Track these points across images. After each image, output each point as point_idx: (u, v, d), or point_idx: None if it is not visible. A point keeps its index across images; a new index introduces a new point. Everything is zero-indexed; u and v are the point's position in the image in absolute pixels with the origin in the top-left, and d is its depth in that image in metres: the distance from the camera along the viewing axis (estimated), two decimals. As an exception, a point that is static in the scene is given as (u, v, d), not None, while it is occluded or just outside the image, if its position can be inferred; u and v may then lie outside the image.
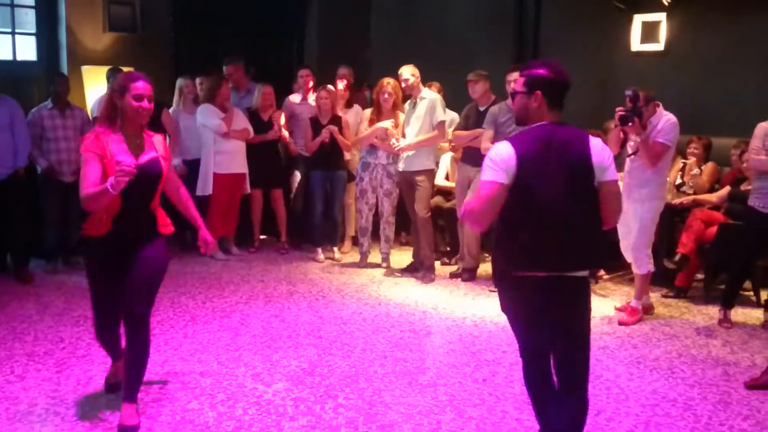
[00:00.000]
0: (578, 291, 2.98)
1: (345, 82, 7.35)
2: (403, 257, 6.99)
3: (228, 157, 6.84)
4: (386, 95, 6.45)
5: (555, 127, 3.03)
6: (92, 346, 4.63)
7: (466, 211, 3.03)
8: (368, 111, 6.71)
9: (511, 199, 2.93)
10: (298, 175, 7.31)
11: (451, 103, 6.85)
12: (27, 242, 6.19)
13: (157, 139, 3.69)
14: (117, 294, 3.59)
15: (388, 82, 6.49)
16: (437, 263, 6.77)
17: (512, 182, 2.91)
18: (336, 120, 6.88)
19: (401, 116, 6.52)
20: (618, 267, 6.26)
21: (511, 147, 2.94)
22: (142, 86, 3.49)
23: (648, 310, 5.54)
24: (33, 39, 7.51)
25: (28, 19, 7.50)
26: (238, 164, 6.92)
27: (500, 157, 2.93)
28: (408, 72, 6.33)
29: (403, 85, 6.36)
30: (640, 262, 5.36)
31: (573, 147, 3.00)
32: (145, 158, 3.55)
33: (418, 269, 6.53)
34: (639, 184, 5.25)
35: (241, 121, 6.91)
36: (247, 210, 7.22)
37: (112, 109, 3.52)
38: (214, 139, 6.77)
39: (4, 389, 3.98)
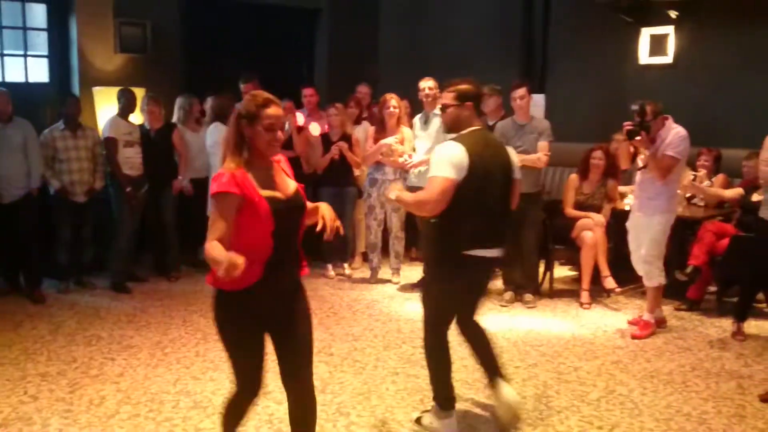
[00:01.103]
0: (493, 269, 3.37)
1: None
2: (413, 272, 6.99)
3: None
4: (390, 110, 6.49)
5: (485, 131, 3.84)
6: (105, 366, 4.66)
7: (420, 202, 3.63)
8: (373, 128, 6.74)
9: (462, 191, 3.47)
10: None
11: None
12: (40, 262, 6.23)
13: (281, 159, 3.04)
14: (263, 361, 3.04)
15: (391, 97, 6.53)
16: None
17: (463, 177, 3.47)
18: (346, 137, 6.91)
19: (406, 131, 6.54)
20: (629, 280, 6.23)
21: (462, 148, 3.51)
22: (274, 113, 2.86)
23: (661, 323, 5.51)
24: (45, 61, 7.60)
25: (40, 41, 7.60)
26: None
27: (455, 157, 3.49)
28: (430, 83, 6.35)
29: (422, 94, 6.35)
30: (652, 275, 5.34)
31: (501, 148, 3.79)
32: (290, 190, 2.95)
33: (429, 284, 6.51)
34: (649, 197, 5.24)
35: None
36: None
37: (240, 140, 2.88)
38: (220, 157, 6.78)
39: (18, 410, 4.00)
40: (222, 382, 4.42)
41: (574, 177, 6.50)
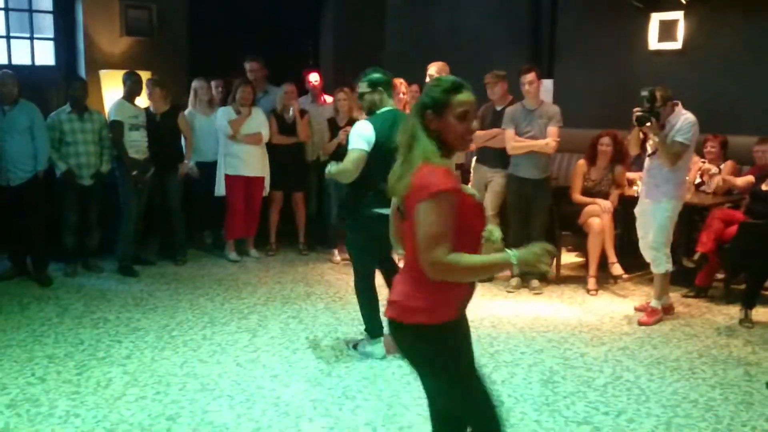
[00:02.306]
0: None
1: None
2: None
3: (237, 160, 6.83)
4: (400, 95, 6.45)
5: (396, 111, 4.47)
6: (112, 348, 4.67)
7: (341, 172, 4.31)
8: None
9: (370, 160, 4.22)
10: None
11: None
12: (46, 245, 6.23)
13: None
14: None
15: (400, 83, 6.49)
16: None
17: (371, 149, 4.22)
18: (353, 122, 6.86)
19: None
20: (637, 266, 6.21)
21: (371, 126, 4.28)
22: (467, 99, 2.45)
23: (668, 310, 5.49)
24: (51, 44, 7.58)
25: (46, 24, 7.58)
26: (252, 167, 6.88)
27: (365, 133, 4.27)
28: (434, 68, 6.32)
29: (427, 81, 6.33)
30: (659, 262, 5.32)
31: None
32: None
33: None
34: (657, 183, 5.21)
35: (256, 125, 6.87)
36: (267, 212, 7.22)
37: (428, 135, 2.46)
38: (225, 141, 6.81)
39: (26, 391, 4.02)
40: (228, 365, 4.43)
41: (582, 163, 6.47)
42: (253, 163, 6.87)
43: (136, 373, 4.30)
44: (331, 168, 4.40)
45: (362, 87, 4.43)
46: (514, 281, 6.19)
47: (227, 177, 6.86)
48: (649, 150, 5.27)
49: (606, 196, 6.28)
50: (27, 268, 6.26)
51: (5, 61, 7.17)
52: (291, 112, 6.97)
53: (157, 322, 5.20)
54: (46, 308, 5.47)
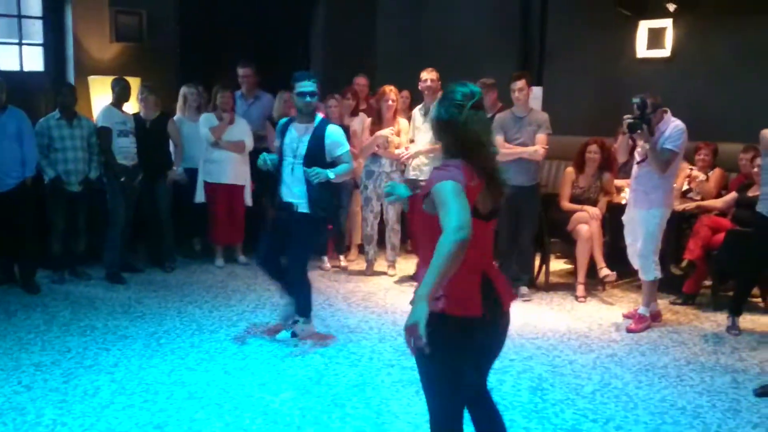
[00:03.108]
0: None
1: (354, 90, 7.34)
2: (409, 265, 6.98)
3: (217, 167, 6.81)
4: (389, 102, 6.46)
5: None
6: (99, 356, 4.64)
7: (346, 172, 4.95)
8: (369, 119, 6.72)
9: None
10: None
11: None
12: (34, 252, 6.19)
13: None
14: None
15: (390, 90, 6.51)
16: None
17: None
18: (344, 129, 6.85)
19: (402, 123, 6.52)
20: (625, 274, 6.23)
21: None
22: None
23: (656, 317, 5.52)
24: (40, 49, 7.54)
25: (35, 29, 7.54)
26: (232, 175, 6.85)
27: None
28: (426, 74, 6.33)
29: (420, 86, 6.35)
30: (647, 269, 5.34)
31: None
32: None
33: (425, 277, 6.51)
34: (646, 191, 5.24)
35: (239, 133, 6.85)
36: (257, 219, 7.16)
37: None
38: (206, 147, 6.80)
39: (12, 400, 3.98)
40: (216, 374, 4.41)
41: (570, 170, 6.49)
42: (234, 171, 6.85)
43: (124, 381, 4.27)
44: (330, 173, 4.78)
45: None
46: (504, 288, 6.19)
47: (207, 184, 6.85)
48: (638, 157, 5.30)
49: (594, 204, 6.31)
50: (14, 276, 6.22)
51: (-6, 67, 7.14)
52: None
53: (145, 329, 5.18)
54: (33, 315, 5.44)
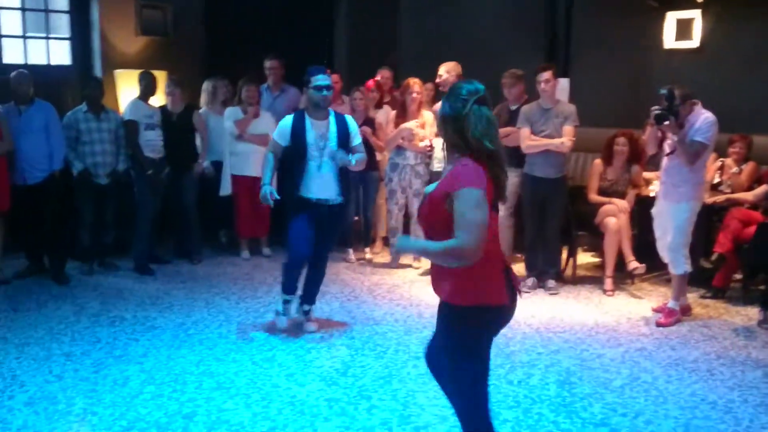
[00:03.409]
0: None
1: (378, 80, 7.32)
2: (434, 258, 6.94)
3: (241, 159, 6.84)
4: (414, 95, 6.43)
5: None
6: (128, 347, 4.69)
7: (363, 160, 4.92)
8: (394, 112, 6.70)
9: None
10: None
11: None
12: (63, 244, 6.27)
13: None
14: None
15: (414, 82, 6.48)
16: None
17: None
18: (369, 121, 6.86)
19: (427, 115, 6.49)
20: (654, 267, 6.16)
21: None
22: None
23: (686, 311, 5.45)
24: (67, 43, 7.62)
25: (62, 23, 7.61)
26: (257, 168, 6.83)
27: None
28: (443, 69, 6.30)
29: (437, 81, 6.32)
30: (677, 263, 5.27)
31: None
32: None
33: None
34: (676, 183, 5.17)
35: (264, 126, 6.86)
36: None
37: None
38: (231, 140, 6.83)
39: (43, 389, 4.03)
40: (244, 364, 4.43)
41: (598, 162, 6.43)
42: (258, 163, 6.85)
43: (153, 371, 4.31)
44: (352, 159, 4.84)
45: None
46: (530, 281, 6.16)
47: (233, 177, 6.88)
48: (667, 149, 5.23)
49: (622, 196, 6.24)
50: (44, 267, 6.29)
51: (21, 61, 7.20)
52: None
53: (173, 320, 5.22)
54: (63, 306, 5.50)
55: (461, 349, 2.67)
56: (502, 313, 2.72)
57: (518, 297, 2.79)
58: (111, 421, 3.68)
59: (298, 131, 4.83)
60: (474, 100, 2.65)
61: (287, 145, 4.88)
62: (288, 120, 4.91)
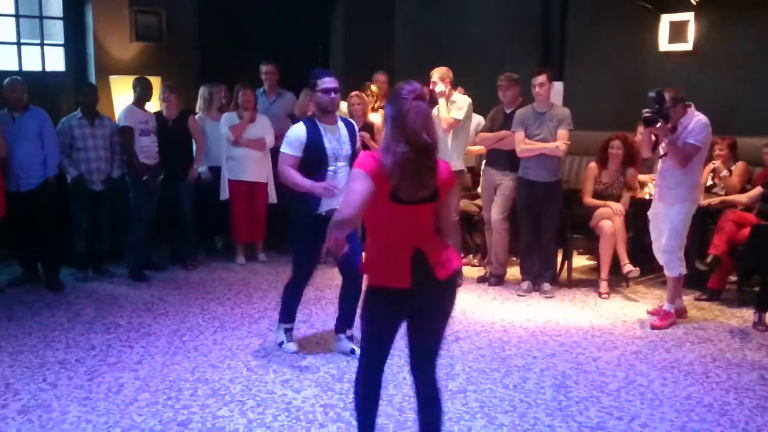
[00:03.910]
0: None
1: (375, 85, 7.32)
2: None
3: (238, 164, 6.83)
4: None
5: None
6: (123, 354, 4.67)
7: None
8: None
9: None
10: None
11: (476, 107, 6.78)
12: (57, 251, 6.25)
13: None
14: None
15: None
16: (464, 267, 6.73)
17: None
18: (367, 126, 6.86)
19: None
20: (649, 270, 6.17)
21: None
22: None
23: (681, 313, 5.45)
24: (61, 50, 7.60)
25: (56, 30, 7.61)
26: (254, 173, 6.87)
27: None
28: (437, 75, 6.29)
29: (431, 87, 6.31)
30: (672, 265, 5.27)
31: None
32: None
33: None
34: (670, 186, 5.18)
35: (259, 131, 6.86)
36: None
37: None
38: (227, 145, 6.83)
39: (37, 397, 4.02)
40: (239, 370, 4.42)
41: (593, 166, 6.43)
42: (255, 168, 6.87)
43: (147, 378, 4.29)
44: None
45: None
46: (525, 285, 6.16)
47: (230, 182, 6.87)
48: (662, 152, 5.24)
49: (617, 199, 6.25)
50: (38, 274, 6.28)
51: (16, 68, 7.19)
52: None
53: (168, 326, 5.21)
54: (57, 313, 5.48)
55: (363, 315, 3.09)
56: (400, 295, 2.95)
57: (438, 278, 2.95)
58: (105, 429, 3.66)
59: (314, 139, 4.46)
60: (413, 97, 2.87)
61: (301, 156, 4.48)
62: (299, 130, 4.49)
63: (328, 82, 4.49)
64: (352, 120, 5.01)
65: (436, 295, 3.01)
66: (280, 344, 4.81)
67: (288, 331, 4.83)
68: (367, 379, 3.16)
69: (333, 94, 4.50)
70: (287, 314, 4.82)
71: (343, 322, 4.75)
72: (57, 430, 3.65)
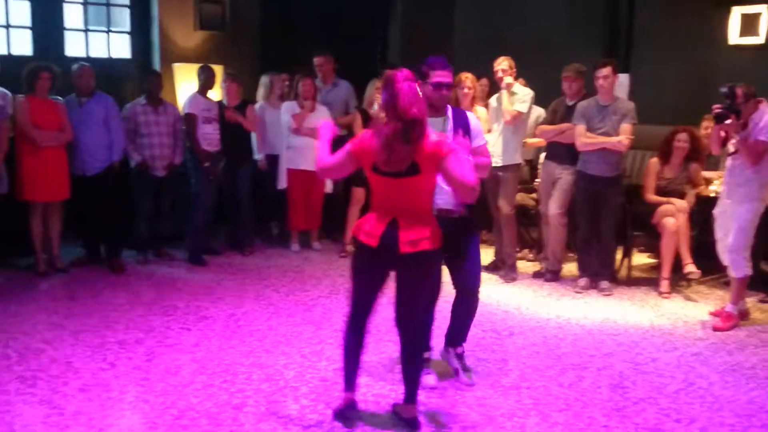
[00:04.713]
0: None
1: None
2: (484, 255, 6.84)
3: (297, 153, 6.86)
4: (465, 90, 6.35)
5: None
6: (181, 336, 4.76)
7: None
8: None
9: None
10: None
11: (536, 99, 6.66)
12: (120, 234, 6.40)
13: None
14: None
15: (466, 77, 6.38)
16: (519, 262, 6.64)
17: None
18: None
19: (480, 111, 6.40)
20: (712, 269, 5.98)
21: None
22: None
23: (743, 315, 5.28)
24: (127, 37, 7.77)
25: (122, 17, 7.77)
26: (312, 162, 6.86)
27: None
28: (506, 63, 6.21)
29: (497, 77, 6.23)
30: (738, 265, 5.11)
31: None
32: None
33: (500, 267, 6.42)
34: (739, 184, 5.01)
35: (318, 120, 6.87)
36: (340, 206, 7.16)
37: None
38: (287, 134, 6.87)
39: (97, 376, 4.12)
40: (293, 357, 4.46)
41: (654, 161, 6.26)
42: (313, 157, 6.86)
43: (204, 361, 4.36)
44: None
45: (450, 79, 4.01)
46: (583, 281, 6.05)
47: (288, 170, 6.92)
48: (731, 149, 5.07)
49: (681, 195, 6.08)
50: (101, 256, 6.44)
51: (83, 54, 7.38)
52: (375, 107, 6.93)
53: (225, 311, 5.28)
54: (118, 294, 5.61)
55: (350, 266, 3.63)
56: (373, 253, 3.42)
57: (400, 251, 3.36)
58: (162, 410, 3.73)
59: None
60: (403, 79, 3.33)
61: None
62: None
63: (442, 75, 3.88)
64: (463, 109, 4.43)
65: (398, 265, 3.44)
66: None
67: (427, 362, 4.15)
68: (350, 325, 3.61)
69: (444, 91, 3.92)
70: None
71: (453, 337, 4.29)
72: (116, 409, 3.74)
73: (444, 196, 3.83)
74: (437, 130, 3.93)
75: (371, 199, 3.59)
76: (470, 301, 4.19)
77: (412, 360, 3.60)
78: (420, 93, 3.37)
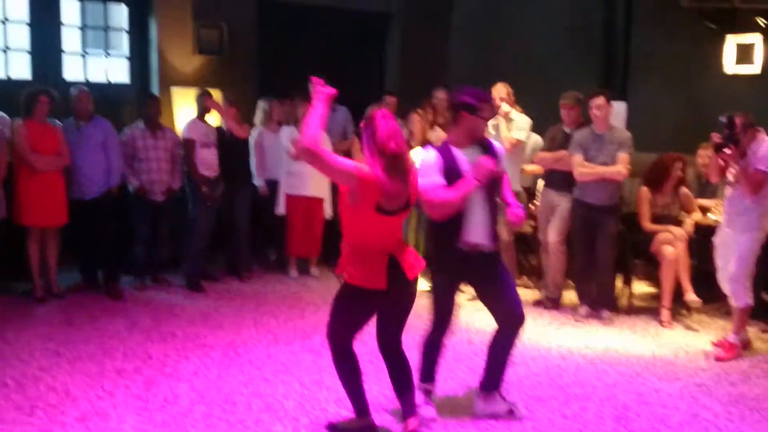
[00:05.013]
0: None
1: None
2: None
3: (297, 180, 6.85)
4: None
5: None
6: (179, 364, 4.70)
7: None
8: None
9: None
10: None
11: (533, 125, 6.68)
12: (117, 259, 6.36)
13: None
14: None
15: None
16: (518, 289, 6.60)
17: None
18: (427, 144, 6.81)
19: None
20: (713, 298, 5.97)
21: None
22: None
23: (745, 345, 5.27)
24: (125, 62, 7.77)
25: (121, 42, 7.78)
26: (312, 188, 6.89)
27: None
28: (502, 92, 6.24)
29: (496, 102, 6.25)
30: (739, 294, 5.10)
31: None
32: None
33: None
34: (738, 213, 5.02)
35: None
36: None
37: None
38: (287, 160, 6.86)
39: (95, 405, 4.06)
40: (292, 386, 4.41)
41: (644, 189, 6.24)
42: (314, 183, 6.87)
43: (203, 389, 4.31)
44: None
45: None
46: (583, 310, 6.03)
47: (287, 196, 6.90)
48: (730, 178, 5.09)
49: (677, 222, 6.08)
50: (97, 281, 6.38)
51: (81, 78, 7.38)
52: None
53: (223, 338, 5.23)
54: (115, 321, 5.55)
55: (337, 304, 3.70)
56: (377, 294, 3.48)
57: (410, 279, 3.53)
58: (161, 441, 3.68)
59: (452, 167, 3.81)
60: (380, 116, 3.48)
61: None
62: (431, 157, 3.86)
63: (489, 109, 3.96)
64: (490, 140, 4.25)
65: (406, 293, 3.57)
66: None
67: (428, 393, 4.10)
68: (341, 356, 3.70)
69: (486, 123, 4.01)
70: (426, 371, 4.11)
71: (494, 379, 4.10)
72: (114, 440, 3.68)
73: (477, 230, 3.83)
74: (473, 159, 3.86)
75: (352, 238, 3.55)
76: (517, 330, 3.96)
77: (406, 378, 3.76)
78: (399, 130, 3.54)
